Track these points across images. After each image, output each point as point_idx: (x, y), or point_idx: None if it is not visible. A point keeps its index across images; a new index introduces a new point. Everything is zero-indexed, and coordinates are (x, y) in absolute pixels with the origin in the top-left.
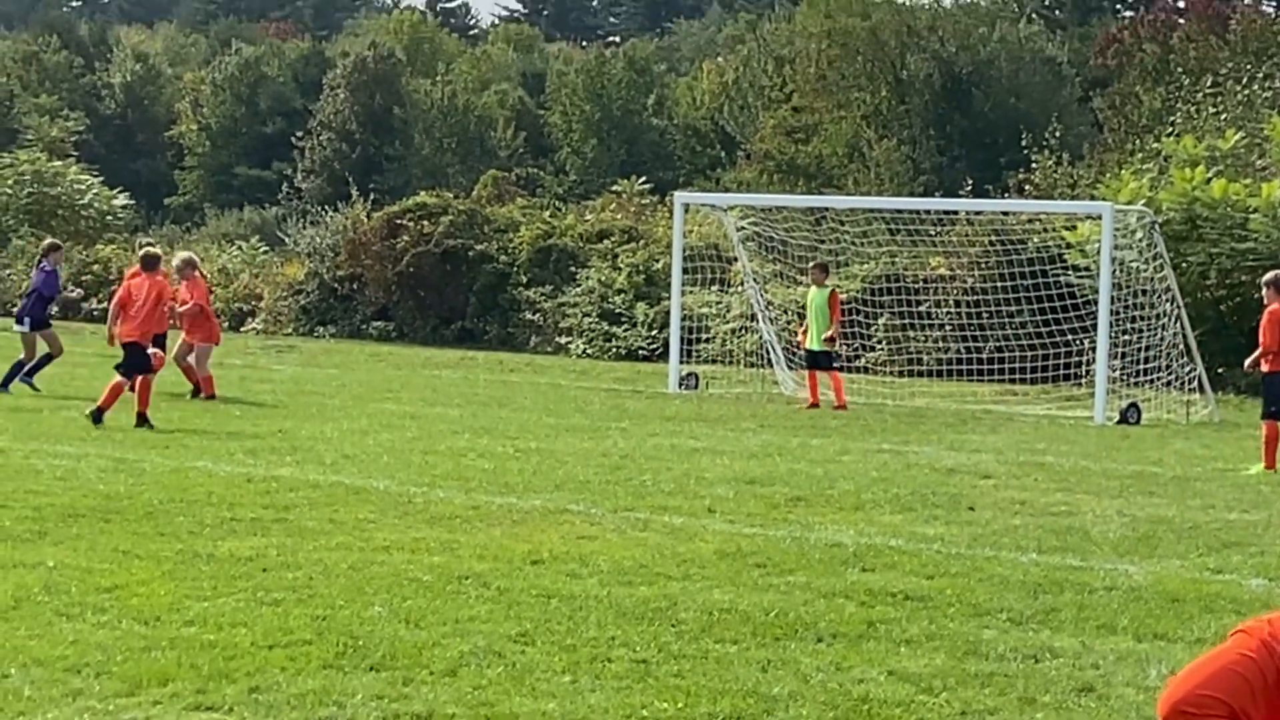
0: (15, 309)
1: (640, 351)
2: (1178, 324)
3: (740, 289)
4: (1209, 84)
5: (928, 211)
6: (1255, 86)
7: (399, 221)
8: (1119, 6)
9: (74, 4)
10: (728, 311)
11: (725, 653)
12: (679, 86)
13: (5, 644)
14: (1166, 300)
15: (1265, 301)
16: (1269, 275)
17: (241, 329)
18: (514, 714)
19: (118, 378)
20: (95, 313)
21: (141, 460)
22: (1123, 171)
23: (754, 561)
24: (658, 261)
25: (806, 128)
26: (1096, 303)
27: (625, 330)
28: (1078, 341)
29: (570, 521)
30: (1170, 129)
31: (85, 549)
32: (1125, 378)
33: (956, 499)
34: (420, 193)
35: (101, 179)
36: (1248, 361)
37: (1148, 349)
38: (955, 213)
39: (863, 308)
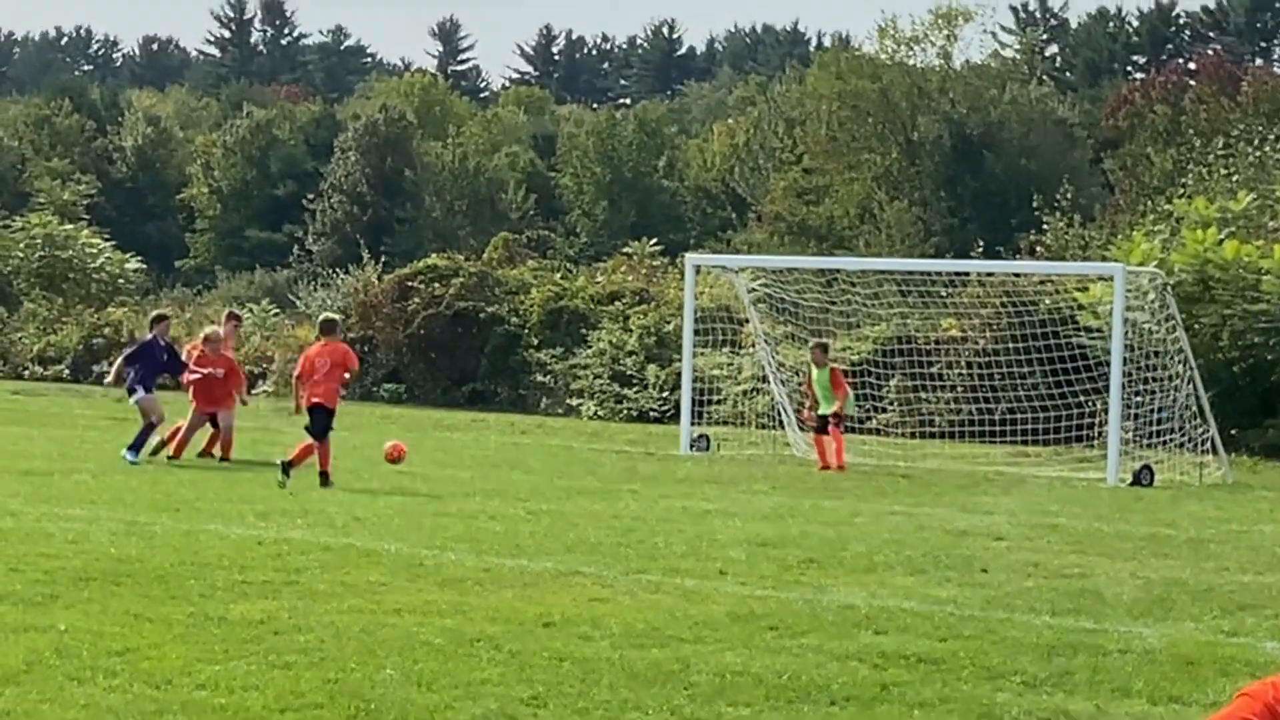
0: (104, 378)
1: (651, 413)
2: (1190, 385)
3: (752, 350)
4: (1220, 145)
5: (939, 273)
6: (1267, 148)
7: (410, 284)
8: (1130, 68)
9: (86, 68)
10: (739, 373)
11: (738, 716)
12: (690, 148)
13: (17, 708)
14: (1179, 362)
15: None
16: None
17: (253, 391)
18: None
19: (308, 439)
20: (105, 375)
21: (153, 523)
22: (1134, 233)
23: (766, 624)
24: (669, 323)
25: (817, 189)
26: (1109, 364)
27: (636, 392)
28: (1090, 403)
29: (582, 584)
30: (1182, 190)
31: (97, 612)
32: (1138, 439)
33: (969, 561)
34: (431, 255)
35: (113, 242)
36: None
37: (1160, 410)
38: (967, 274)
39: (874, 369)
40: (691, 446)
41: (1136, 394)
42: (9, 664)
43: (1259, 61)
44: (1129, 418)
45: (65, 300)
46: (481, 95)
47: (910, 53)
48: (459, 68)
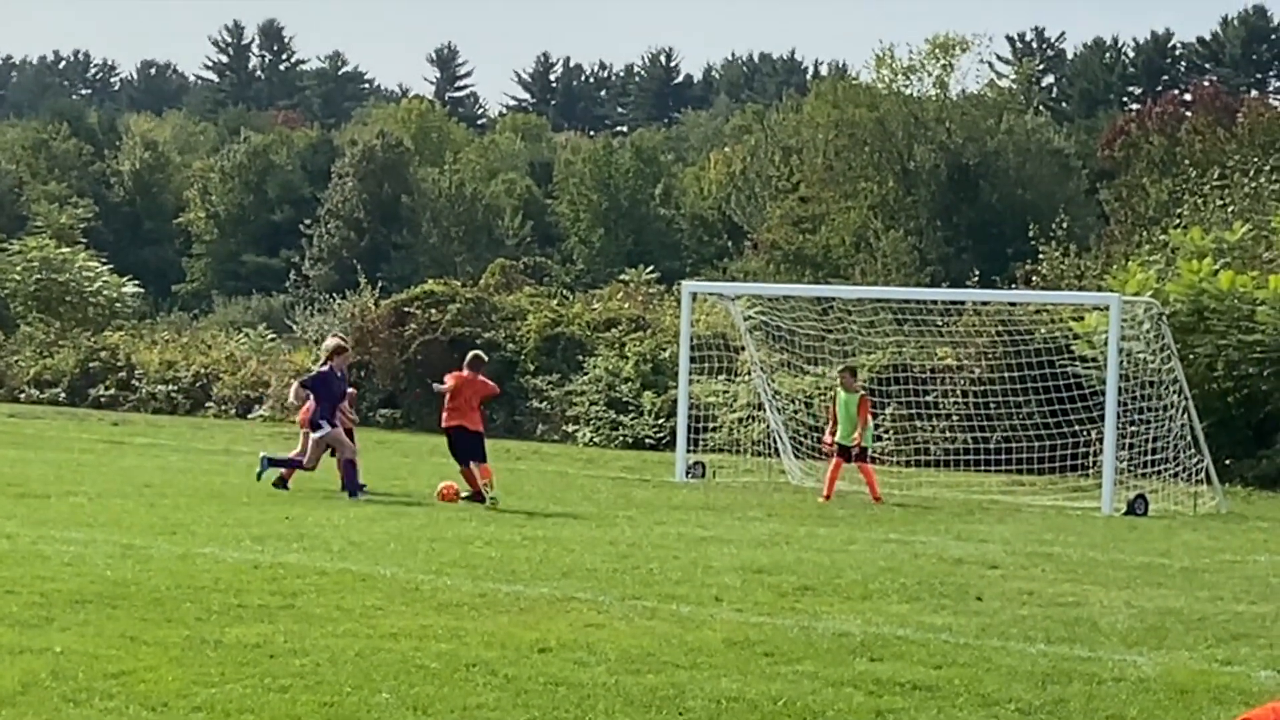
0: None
1: (647, 440)
2: (1185, 415)
3: (747, 378)
4: (1216, 176)
5: (935, 302)
6: (1262, 179)
7: (407, 310)
8: (1126, 99)
9: (84, 92)
10: (735, 400)
11: None
12: (686, 176)
13: None
14: (1174, 391)
15: None
16: None
17: (249, 416)
18: None
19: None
20: (101, 399)
21: (149, 546)
22: (1130, 263)
23: (761, 650)
24: (665, 350)
25: (814, 218)
26: (1104, 393)
27: (632, 419)
28: (1085, 432)
29: (577, 609)
30: (1177, 221)
31: (92, 635)
32: (1132, 469)
33: (964, 589)
34: (428, 281)
35: (110, 266)
36: None
37: (1155, 440)
38: (962, 303)
39: (870, 398)
40: (687, 474)
41: (1131, 424)
42: (5, 686)
43: (1255, 93)
44: (1124, 447)
45: (62, 323)
46: (479, 122)
47: (907, 82)
48: (456, 94)
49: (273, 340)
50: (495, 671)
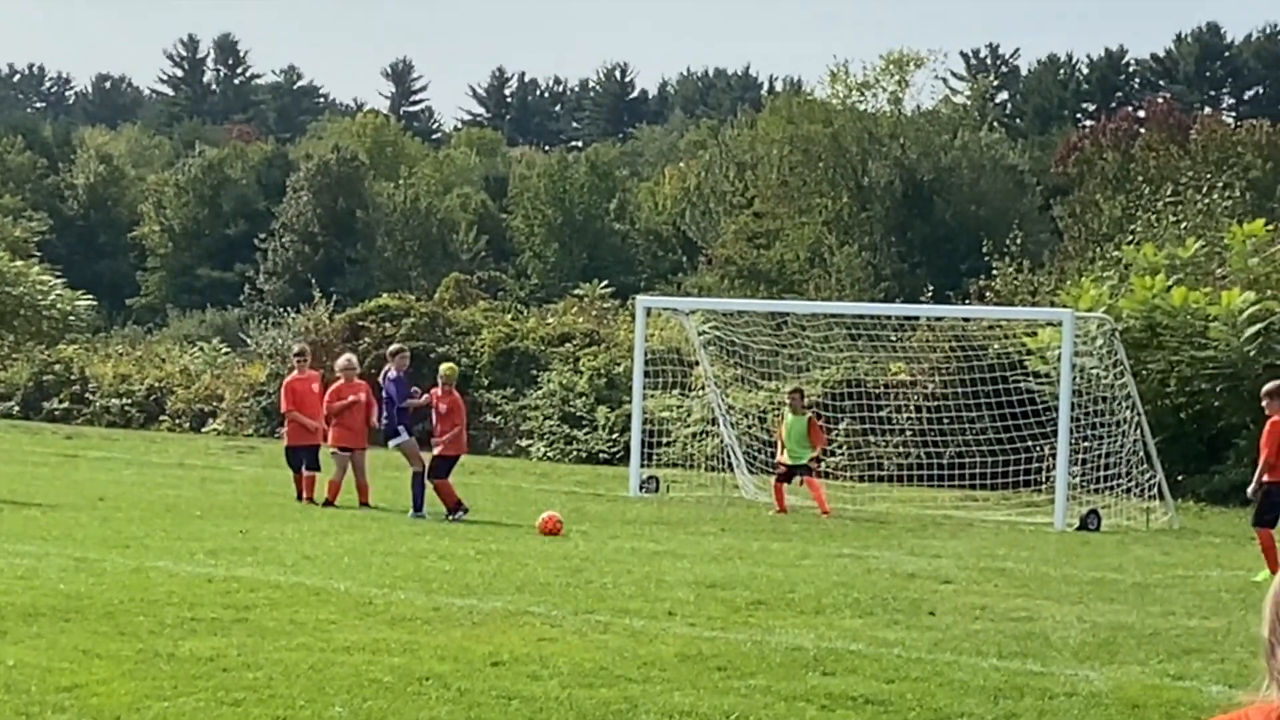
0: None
1: (601, 455)
2: (1138, 431)
3: (701, 393)
4: (1169, 192)
5: (889, 317)
6: (1215, 195)
7: (361, 324)
8: (1080, 115)
9: (38, 105)
10: (689, 415)
11: None
12: (641, 191)
13: None
14: (1127, 407)
15: (1266, 412)
16: (1270, 385)
17: (203, 429)
18: None
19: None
20: (55, 412)
21: (102, 560)
22: (1083, 279)
23: (714, 665)
24: (619, 365)
25: (768, 233)
26: (1057, 409)
27: (586, 433)
28: (1038, 448)
29: (531, 623)
30: (1131, 237)
31: (45, 648)
32: (1085, 484)
33: (917, 604)
34: (383, 295)
35: (64, 280)
36: (1250, 489)
37: (1108, 455)
38: (916, 319)
39: (824, 413)
40: (641, 488)
41: (1084, 439)
42: None
43: (1208, 110)
44: (1077, 463)
45: (16, 337)
46: (434, 136)
47: (861, 98)
48: (411, 109)
49: (227, 354)
50: (448, 685)
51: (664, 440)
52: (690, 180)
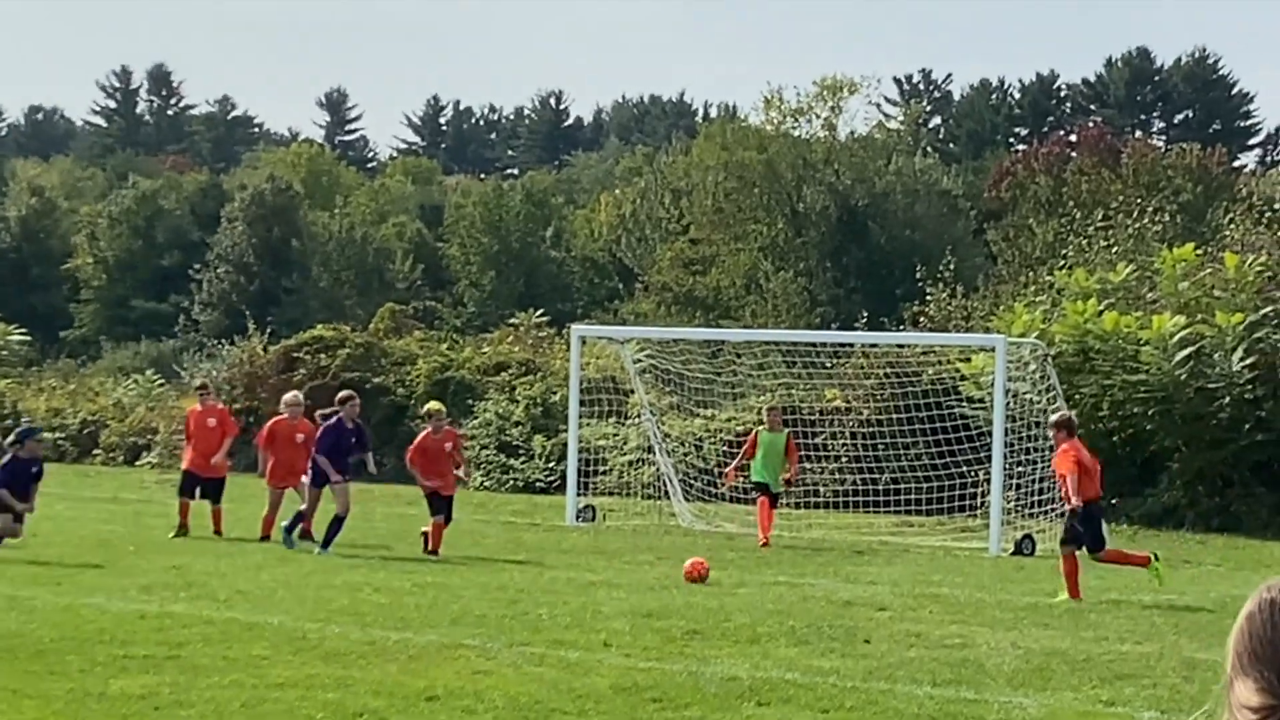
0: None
1: (538, 484)
2: None
3: (637, 421)
4: (1100, 217)
5: (824, 344)
6: (1145, 220)
7: (296, 355)
8: (1012, 139)
9: None
10: (625, 444)
11: None
12: (577, 219)
13: None
14: None
15: (1055, 443)
16: (1056, 418)
17: (137, 463)
18: None
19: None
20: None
21: (33, 598)
22: (1016, 304)
23: (649, 696)
24: (555, 394)
25: (704, 259)
26: (991, 434)
27: (523, 462)
28: (973, 473)
29: (466, 656)
30: (1062, 261)
31: None
32: (1020, 509)
33: (852, 631)
34: (318, 326)
35: None
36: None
37: (1042, 480)
38: (851, 345)
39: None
40: (577, 517)
41: (1018, 464)
42: None
43: (1139, 133)
44: (1011, 488)
45: None
46: (369, 165)
47: (795, 124)
48: (346, 138)
49: (161, 386)
50: None
51: (600, 469)
52: (626, 207)
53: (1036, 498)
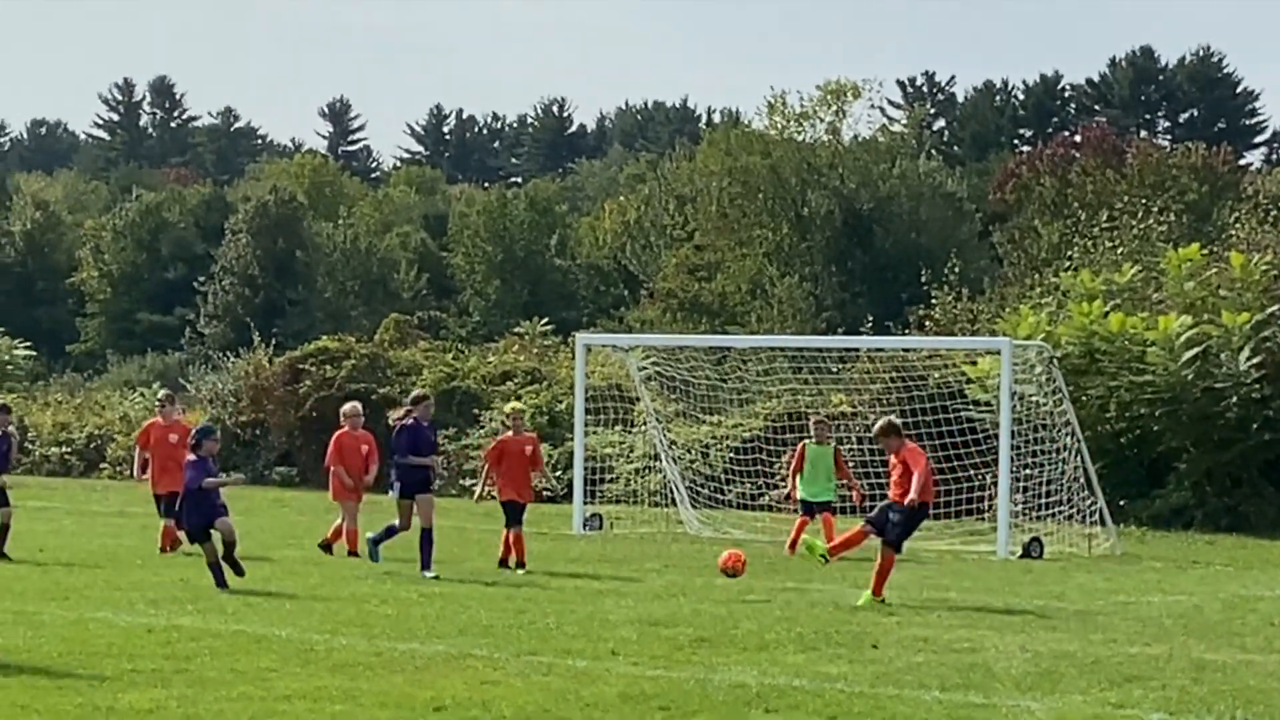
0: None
1: (545, 493)
2: (1078, 457)
3: (644, 429)
4: (1105, 218)
5: (830, 348)
6: (1151, 220)
7: (301, 366)
8: (1017, 141)
9: None
10: (631, 451)
11: None
12: (581, 226)
13: None
14: (1066, 434)
15: (892, 448)
16: (880, 424)
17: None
18: None
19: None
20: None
21: (41, 612)
22: (1021, 306)
23: (657, 704)
24: (561, 402)
25: (709, 265)
26: (998, 437)
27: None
28: (980, 476)
29: (474, 666)
30: (1068, 263)
31: None
32: (1027, 512)
33: (860, 637)
34: (323, 337)
35: (1, 329)
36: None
37: (1049, 483)
38: (857, 350)
39: (766, 446)
40: (585, 525)
41: (1025, 467)
42: None
43: (1143, 133)
44: (1018, 490)
45: None
46: (373, 175)
47: (799, 129)
48: (350, 148)
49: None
50: None
51: (607, 477)
52: (630, 214)
53: (1044, 500)
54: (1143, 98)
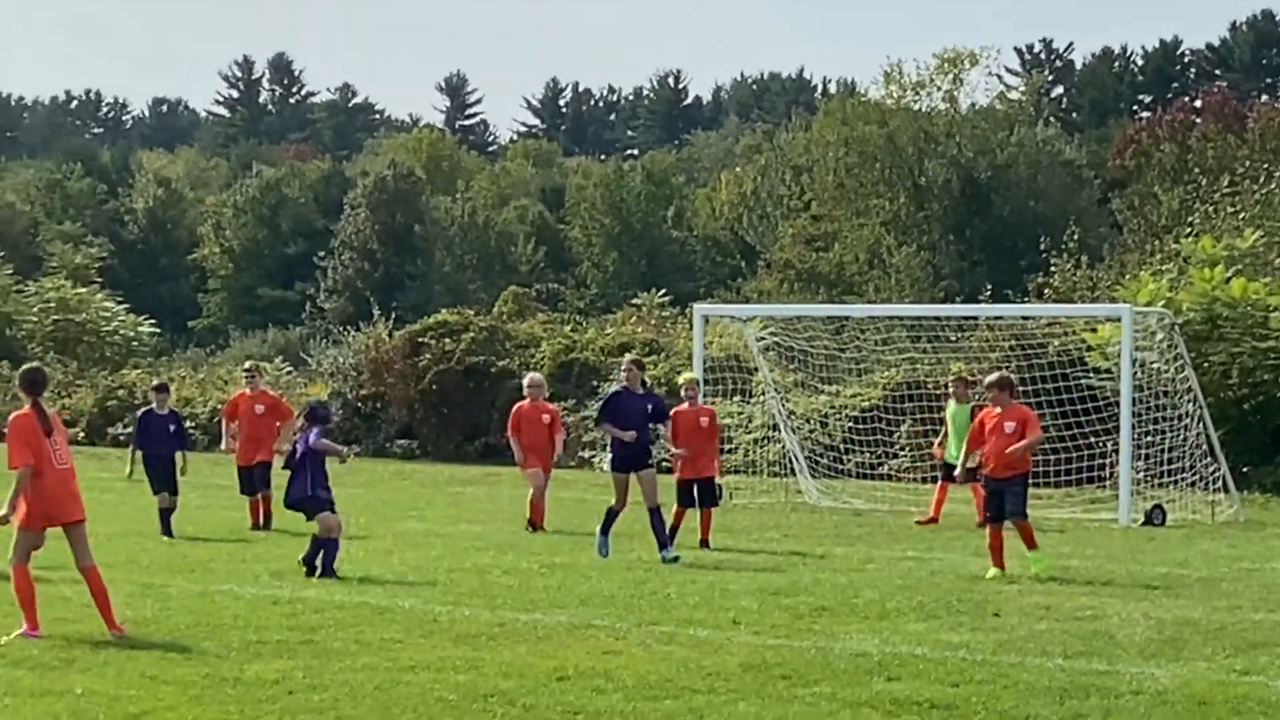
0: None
1: (664, 464)
2: (1200, 424)
3: (762, 399)
4: (1226, 183)
5: (948, 317)
6: (1273, 185)
7: (421, 340)
8: (1136, 107)
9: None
10: (750, 422)
11: None
12: (698, 198)
13: None
14: (1189, 400)
15: (1000, 403)
16: (992, 377)
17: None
18: None
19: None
20: (120, 437)
21: (168, 585)
22: (1142, 273)
23: (779, 673)
24: (679, 373)
25: (826, 236)
26: (1118, 405)
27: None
28: (1101, 444)
29: (595, 636)
30: (1189, 229)
31: (113, 675)
32: (1149, 479)
33: (981, 605)
34: (441, 310)
35: (126, 305)
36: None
37: (1171, 450)
38: (975, 318)
39: (885, 415)
40: None
41: (1147, 434)
42: None
43: (1265, 98)
44: (1140, 458)
45: (79, 363)
46: (489, 149)
47: (916, 98)
48: (466, 122)
49: (289, 373)
50: (513, 701)
51: (726, 447)
52: (746, 185)
53: (1166, 467)
54: (1264, 61)
